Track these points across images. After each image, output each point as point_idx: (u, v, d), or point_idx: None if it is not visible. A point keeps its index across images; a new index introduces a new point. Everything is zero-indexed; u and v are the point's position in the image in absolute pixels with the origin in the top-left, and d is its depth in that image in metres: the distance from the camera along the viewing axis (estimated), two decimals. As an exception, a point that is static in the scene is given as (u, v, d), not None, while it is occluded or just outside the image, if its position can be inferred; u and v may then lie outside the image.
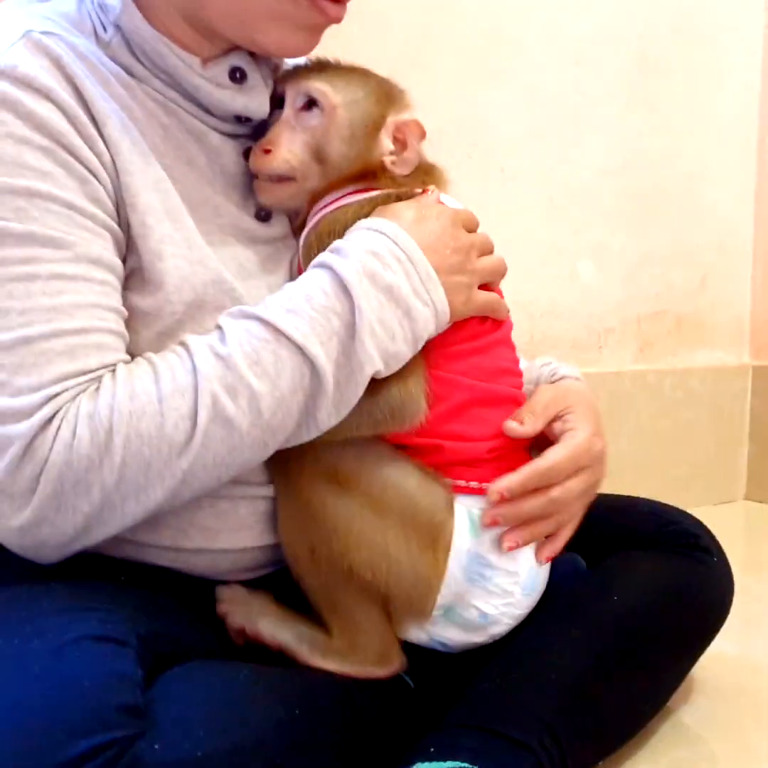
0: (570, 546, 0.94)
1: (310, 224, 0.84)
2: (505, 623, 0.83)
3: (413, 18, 1.52)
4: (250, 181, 0.86)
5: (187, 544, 0.80)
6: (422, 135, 0.86)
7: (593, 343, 1.79)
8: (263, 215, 0.87)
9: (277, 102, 0.86)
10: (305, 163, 0.83)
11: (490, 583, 0.80)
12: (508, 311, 0.88)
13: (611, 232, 1.80)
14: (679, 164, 1.89)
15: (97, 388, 0.69)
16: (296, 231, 0.88)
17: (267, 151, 0.83)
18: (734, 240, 2.00)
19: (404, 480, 0.80)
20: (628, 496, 1.08)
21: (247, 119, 0.85)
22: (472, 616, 0.81)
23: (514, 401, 0.86)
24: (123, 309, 0.74)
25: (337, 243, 0.78)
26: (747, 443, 2.01)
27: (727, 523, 1.87)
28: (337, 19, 0.82)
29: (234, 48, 0.84)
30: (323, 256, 0.77)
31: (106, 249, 0.74)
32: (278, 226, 0.88)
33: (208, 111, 0.83)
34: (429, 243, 0.79)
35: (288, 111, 0.84)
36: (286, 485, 0.81)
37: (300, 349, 0.72)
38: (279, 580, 0.83)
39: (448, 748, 0.73)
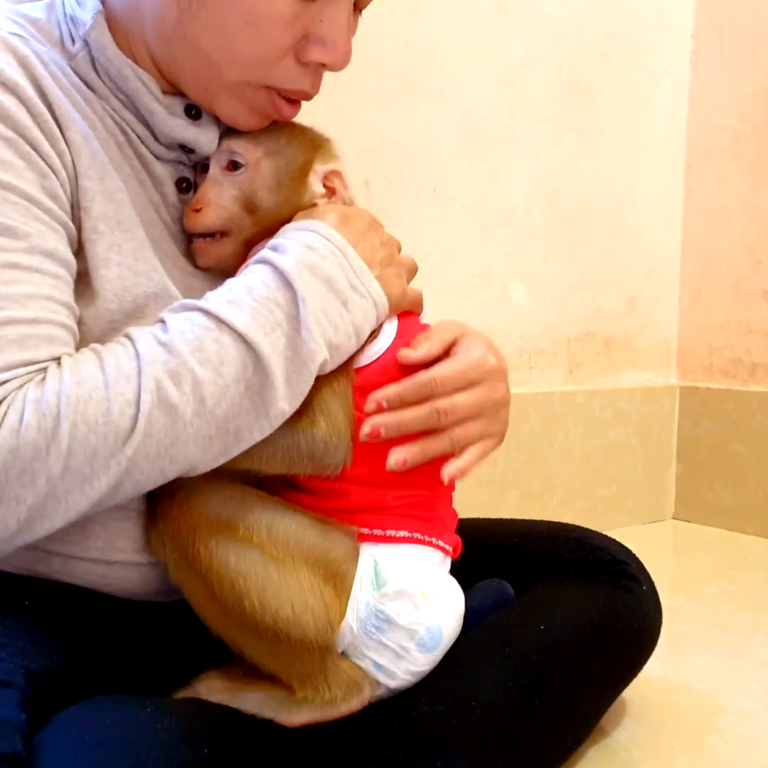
0: (498, 573, 0.93)
1: (249, 261, 0.83)
2: (401, 678, 0.79)
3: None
4: (184, 212, 0.87)
5: (116, 556, 0.77)
6: (346, 185, 0.88)
7: (524, 365, 1.79)
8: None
9: (203, 166, 0.88)
10: (236, 215, 0.85)
11: (385, 636, 0.77)
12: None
13: (542, 255, 1.82)
14: (609, 189, 1.91)
15: (44, 378, 0.67)
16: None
17: (197, 211, 0.84)
18: (662, 264, 2.03)
19: (305, 531, 0.77)
20: (557, 522, 1.08)
21: (191, 151, 0.86)
22: (365, 667, 0.78)
23: None
24: (75, 306, 0.73)
25: (274, 241, 0.78)
26: (675, 463, 2.04)
27: (655, 543, 1.90)
28: (288, 118, 0.87)
29: None
30: (262, 254, 0.77)
31: (60, 244, 0.73)
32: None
33: (156, 138, 0.84)
34: (357, 239, 0.80)
35: (214, 170, 0.86)
36: (176, 536, 0.75)
37: (242, 338, 0.71)
38: None
39: None
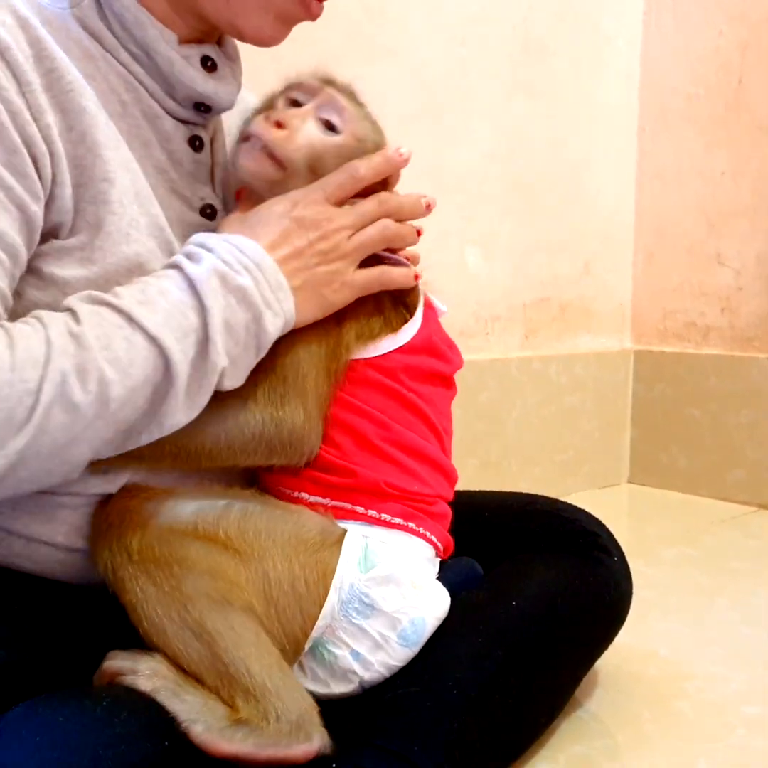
0: (468, 547, 0.91)
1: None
2: (375, 670, 0.76)
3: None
4: (196, 171, 0.83)
5: (80, 543, 0.74)
6: None
7: (480, 330, 1.77)
8: (209, 212, 0.83)
9: (292, 101, 0.83)
10: (300, 162, 0.79)
11: (367, 622, 0.75)
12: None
13: (499, 219, 1.79)
14: (563, 151, 1.89)
15: None
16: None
17: (279, 126, 0.79)
18: (616, 228, 2.02)
19: (276, 523, 0.75)
20: (526, 494, 1.06)
21: (207, 109, 0.82)
22: (341, 655, 0.75)
23: (434, 464, 0.83)
24: (8, 294, 0.68)
25: (190, 248, 0.74)
26: (630, 427, 2.04)
27: (611, 507, 1.90)
28: (316, 17, 0.83)
29: (204, 40, 0.82)
30: (175, 258, 0.73)
31: (10, 227, 0.67)
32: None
33: (170, 93, 0.80)
34: (274, 240, 0.76)
35: (309, 107, 0.81)
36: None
37: (154, 340, 0.67)
38: None
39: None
